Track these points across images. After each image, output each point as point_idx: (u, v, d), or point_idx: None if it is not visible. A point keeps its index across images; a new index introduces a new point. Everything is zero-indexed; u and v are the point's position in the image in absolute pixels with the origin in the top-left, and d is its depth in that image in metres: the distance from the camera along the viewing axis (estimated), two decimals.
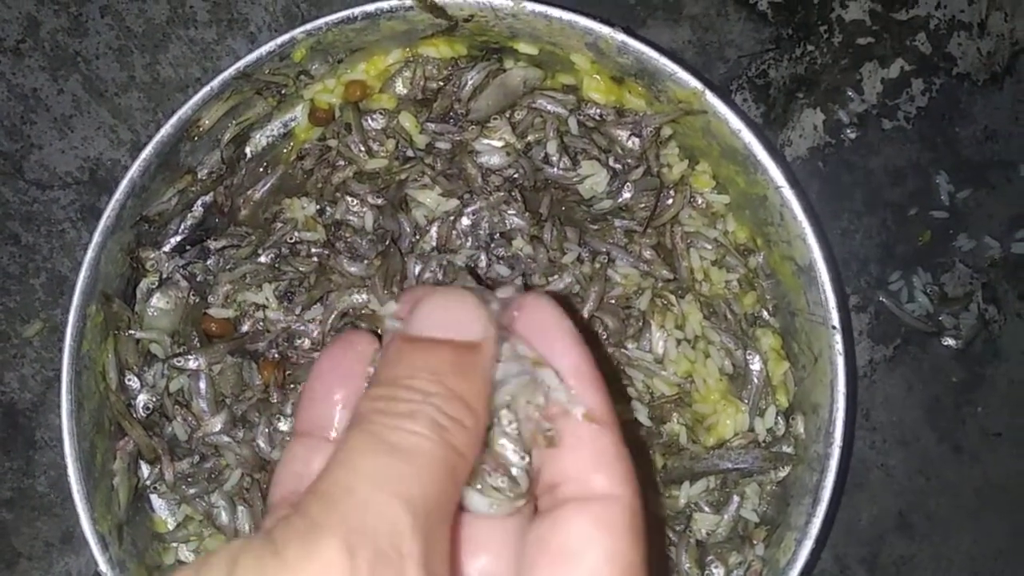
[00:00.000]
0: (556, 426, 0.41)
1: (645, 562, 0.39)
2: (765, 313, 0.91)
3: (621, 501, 0.40)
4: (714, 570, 0.87)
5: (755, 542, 0.87)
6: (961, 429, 1.07)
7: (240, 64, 0.82)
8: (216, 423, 0.83)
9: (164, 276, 0.86)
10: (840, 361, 0.82)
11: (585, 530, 0.38)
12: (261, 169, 0.91)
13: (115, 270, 0.83)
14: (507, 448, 0.41)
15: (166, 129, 0.81)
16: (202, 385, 0.84)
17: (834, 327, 0.82)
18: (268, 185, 0.90)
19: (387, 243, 0.86)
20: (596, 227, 0.91)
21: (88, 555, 0.97)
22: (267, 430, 0.83)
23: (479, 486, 0.41)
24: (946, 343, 1.08)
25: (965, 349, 1.08)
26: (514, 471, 0.41)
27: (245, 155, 0.91)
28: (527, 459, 0.41)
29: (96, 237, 0.79)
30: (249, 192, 0.90)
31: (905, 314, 1.06)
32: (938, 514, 1.05)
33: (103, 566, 0.78)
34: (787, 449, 0.87)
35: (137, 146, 1.01)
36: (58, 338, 0.99)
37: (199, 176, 0.88)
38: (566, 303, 0.85)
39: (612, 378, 0.88)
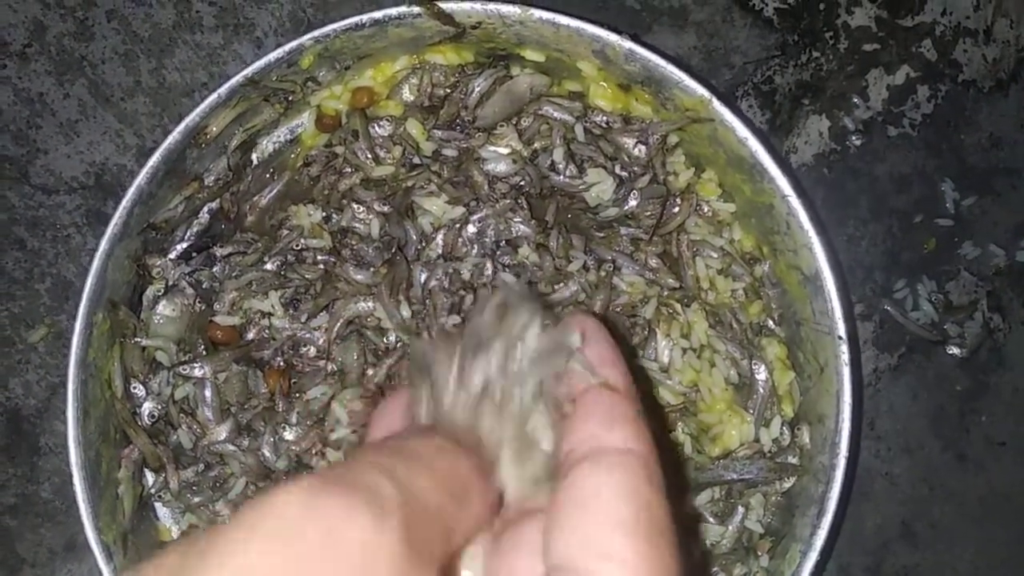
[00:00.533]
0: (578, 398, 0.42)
1: (667, 515, 0.38)
2: (771, 322, 0.91)
3: (636, 453, 0.39)
4: None
5: (760, 553, 0.87)
6: (965, 438, 1.07)
7: (248, 71, 0.82)
8: (221, 431, 0.83)
9: (170, 283, 0.85)
10: (846, 371, 0.82)
11: (600, 477, 0.38)
12: (267, 175, 0.90)
13: (121, 277, 0.83)
14: (539, 433, 0.42)
15: (174, 136, 0.81)
16: (207, 393, 0.83)
17: (840, 337, 0.82)
18: (274, 192, 0.90)
19: (393, 251, 0.86)
20: (602, 235, 0.90)
21: (91, 563, 0.96)
22: (272, 439, 0.83)
23: (504, 472, 0.42)
24: (951, 351, 1.08)
25: (970, 358, 1.08)
26: (539, 458, 0.42)
27: (251, 161, 0.90)
28: (552, 446, 0.42)
29: (103, 244, 0.79)
30: (255, 198, 0.90)
31: (910, 322, 1.06)
32: (942, 523, 1.05)
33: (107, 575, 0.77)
34: (792, 460, 0.87)
35: (143, 151, 1.01)
36: (63, 344, 0.99)
37: (206, 183, 0.87)
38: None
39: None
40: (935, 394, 1.07)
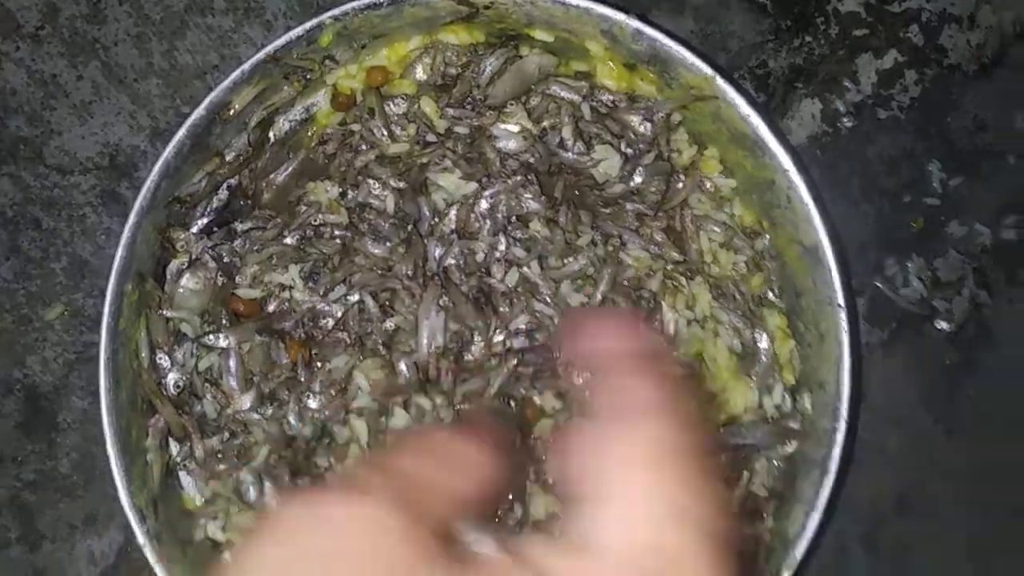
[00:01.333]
0: None
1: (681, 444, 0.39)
2: (771, 294, 0.94)
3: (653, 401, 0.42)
4: None
5: (765, 515, 0.90)
6: (955, 411, 1.09)
7: (270, 48, 0.84)
8: (245, 400, 0.85)
9: (193, 257, 0.87)
10: (846, 339, 0.85)
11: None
12: (283, 153, 0.93)
13: (147, 250, 0.85)
14: None
15: (199, 111, 0.83)
16: (232, 363, 0.86)
17: (840, 306, 0.85)
18: (290, 169, 0.92)
19: (410, 229, 0.88)
20: (608, 211, 0.93)
21: (111, 537, 0.99)
22: (297, 407, 0.85)
23: None
24: (939, 327, 1.11)
25: (958, 332, 1.11)
26: None
27: (269, 139, 0.93)
28: None
29: (132, 217, 0.81)
30: (271, 176, 0.92)
31: (900, 298, 1.10)
32: (934, 495, 1.08)
33: (141, 538, 0.79)
34: (794, 425, 0.91)
35: (157, 132, 1.03)
36: (79, 321, 1.00)
37: (226, 159, 0.90)
38: None
39: None
40: (925, 369, 1.10)
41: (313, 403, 0.86)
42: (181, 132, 0.83)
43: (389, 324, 0.87)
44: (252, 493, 0.86)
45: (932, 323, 1.11)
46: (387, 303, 0.88)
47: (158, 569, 0.79)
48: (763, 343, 0.91)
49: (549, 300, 0.90)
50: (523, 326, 0.89)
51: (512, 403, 0.89)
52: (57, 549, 0.98)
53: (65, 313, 1.00)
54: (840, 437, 0.85)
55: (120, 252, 0.81)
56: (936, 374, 1.10)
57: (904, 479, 1.08)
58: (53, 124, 1.02)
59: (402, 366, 0.86)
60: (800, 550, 0.84)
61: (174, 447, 0.88)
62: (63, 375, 1.00)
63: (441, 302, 0.86)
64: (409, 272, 0.86)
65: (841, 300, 0.85)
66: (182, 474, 0.89)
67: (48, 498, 0.99)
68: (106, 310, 0.80)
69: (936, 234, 1.11)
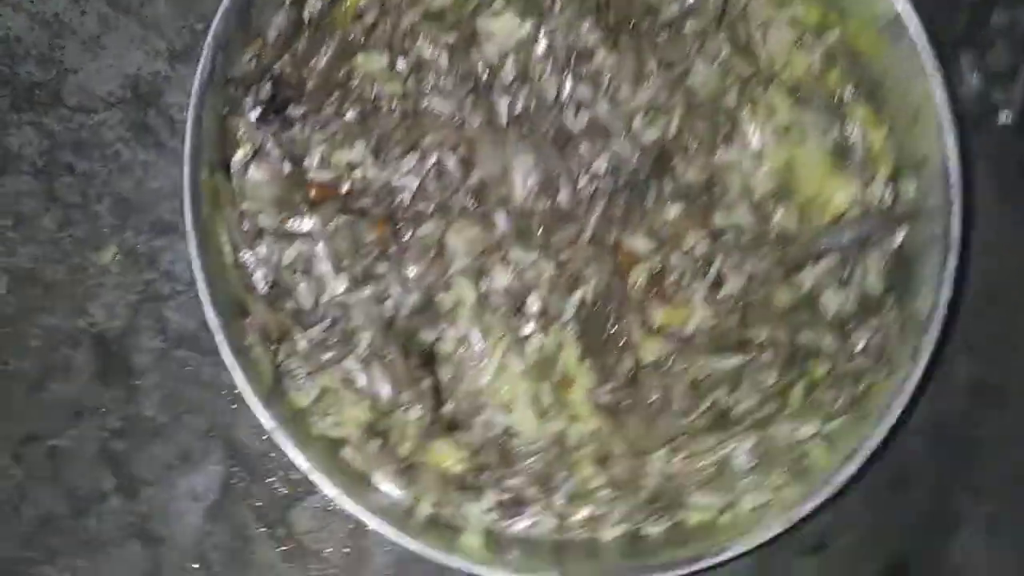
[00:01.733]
0: None
1: None
2: (851, 87, 0.90)
3: None
4: (855, 339, 0.86)
5: (887, 307, 0.86)
6: None
7: None
8: (341, 282, 0.81)
9: (256, 147, 0.83)
10: (945, 105, 0.82)
11: None
12: (320, 36, 0.87)
13: (210, 139, 0.80)
14: None
15: None
16: (319, 247, 0.81)
17: (932, 72, 0.82)
18: (330, 52, 0.87)
19: (472, 83, 0.84)
20: (667, 37, 0.89)
21: (210, 474, 0.94)
22: (398, 275, 0.81)
23: None
24: (1002, 120, 1.08)
25: (1021, 122, 1.09)
26: None
27: (303, 21, 0.87)
28: None
29: (193, 96, 0.76)
30: (312, 63, 0.87)
31: (958, 98, 1.07)
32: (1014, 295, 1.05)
33: (269, 422, 0.74)
34: (902, 210, 0.87)
35: (175, 54, 0.97)
36: (134, 260, 0.95)
37: (268, 40, 0.84)
38: None
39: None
40: (996, 164, 1.07)
41: (412, 272, 0.81)
42: (225, 3, 0.77)
43: (474, 178, 0.83)
44: (362, 379, 0.81)
45: (994, 117, 1.08)
46: (466, 158, 0.84)
47: (295, 454, 0.74)
48: (854, 136, 0.88)
49: (623, 138, 0.86)
50: (605, 165, 0.86)
51: (606, 250, 0.86)
52: (157, 492, 0.94)
53: (118, 255, 0.95)
54: (956, 206, 0.81)
55: (189, 129, 0.75)
56: (1009, 169, 1.07)
57: (990, 277, 1.04)
58: (66, 64, 0.97)
59: (498, 217, 0.82)
60: (936, 325, 0.80)
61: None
62: (129, 317, 0.95)
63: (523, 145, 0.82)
64: (485, 120, 0.82)
65: (932, 66, 0.82)
66: (286, 376, 0.84)
67: (138, 443, 0.94)
68: (186, 197, 0.74)
69: (982, 26, 1.08)
